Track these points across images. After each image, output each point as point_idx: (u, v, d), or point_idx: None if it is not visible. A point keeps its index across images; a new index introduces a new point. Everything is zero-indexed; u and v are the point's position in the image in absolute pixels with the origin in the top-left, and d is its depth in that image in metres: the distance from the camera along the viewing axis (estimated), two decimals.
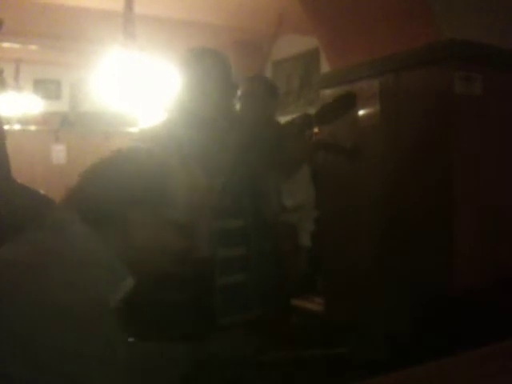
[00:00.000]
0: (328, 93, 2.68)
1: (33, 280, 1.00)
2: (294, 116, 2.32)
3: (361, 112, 2.55)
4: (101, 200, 1.12)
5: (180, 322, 1.87)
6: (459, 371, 1.35)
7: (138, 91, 3.74)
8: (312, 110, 2.59)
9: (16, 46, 5.73)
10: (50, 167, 6.86)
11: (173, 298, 1.88)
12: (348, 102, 2.21)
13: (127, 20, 3.59)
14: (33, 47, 5.84)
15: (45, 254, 1.05)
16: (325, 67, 4.49)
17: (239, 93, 2.31)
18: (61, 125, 6.91)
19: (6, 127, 2.08)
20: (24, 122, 6.55)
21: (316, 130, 2.95)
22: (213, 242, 1.87)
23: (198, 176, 1.28)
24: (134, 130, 6.28)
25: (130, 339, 1.46)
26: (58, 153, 7.03)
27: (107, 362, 0.99)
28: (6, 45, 5.63)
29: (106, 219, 1.12)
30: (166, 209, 1.15)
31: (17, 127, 6.45)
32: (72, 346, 0.95)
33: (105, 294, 1.07)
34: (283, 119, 2.87)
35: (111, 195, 1.12)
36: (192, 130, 1.94)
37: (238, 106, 2.45)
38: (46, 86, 7.32)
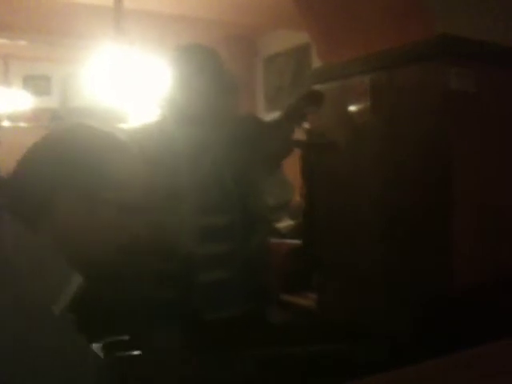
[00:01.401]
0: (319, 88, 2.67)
1: None
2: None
3: (352, 108, 2.54)
4: (30, 186, 1.01)
5: (165, 318, 1.88)
6: (459, 371, 1.34)
7: (129, 86, 3.73)
8: None
9: (5, 41, 5.68)
10: None
11: (157, 294, 1.88)
12: (315, 100, 2.16)
13: (118, 15, 3.56)
14: (22, 42, 5.80)
15: None
16: (316, 62, 4.48)
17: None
18: (51, 121, 6.87)
19: None
20: (14, 118, 6.51)
21: (307, 126, 2.94)
22: (195, 237, 1.88)
23: (136, 159, 1.12)
24: (124, 125, 6.25)
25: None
26: None
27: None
28: None
29: (40, 209, 1.00)
30: (101, 190, 1.03)
31: (6, 124, 6.41)
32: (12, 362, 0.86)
33: (47, 298, 0.96)
34: (275, 115, 2.86)
35: (41, 181, 1.01)
36: (180, 127, 1.94)
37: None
38: (35, 82, 7.27)
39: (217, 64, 1.99)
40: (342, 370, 1.51)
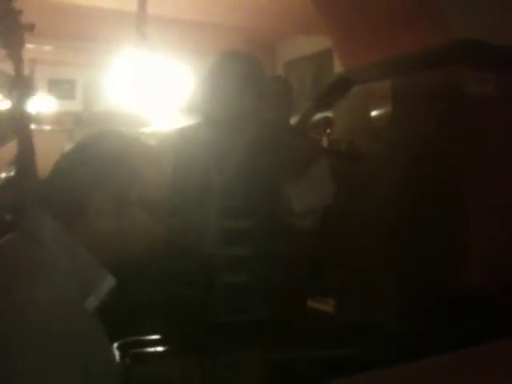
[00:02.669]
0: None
1: (4, 286, 0.94)
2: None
3: (373, 113, 2.54)
4: (65, 189, 1.06)
5: (183, 318, 1.89)
6: (458, 370, 1.35)
7: (151, 91, 3.76)
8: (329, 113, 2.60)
9: (30, 46, 5.76)
10: None
11: (177, 294, 1.90)
12: (343, 86, 2.22)
13: (140, 20, 3.61)
14: (47, 47, 5.88)
15: (17, 258, 1.00)
16: (338, 67, 4.49)
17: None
18: (75, 124, 6.95)
19: None
20: (38, 121, 6.57)
21: (328, 130, 2.95)
22: (218, 240, 1.89)
23: (161, 161, 1.18)
24: (147, 129, 6.30)
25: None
26: None
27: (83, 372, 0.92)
28: None
29: (73, 210, 1.04)
30: (133, 191, 1.07)
31: (31, 127, 6.47)
32: (45, 355, 0.88)
33: (82, 296, 1.00)
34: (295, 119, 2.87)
35: (74, 183, 1.05)
36: (209, 131, 1.96)
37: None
38: (60, 86, 7.36)
39: (255, 70, 2.00)
40: (351, 369, 1.51)
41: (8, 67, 2.07)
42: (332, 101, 2.25)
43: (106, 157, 1.08)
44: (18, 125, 2.00)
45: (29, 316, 0.90)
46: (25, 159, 2.00)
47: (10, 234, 1.05)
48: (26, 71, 2.29)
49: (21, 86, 2.04)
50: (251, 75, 1.96)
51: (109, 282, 1.04)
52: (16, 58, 2.03)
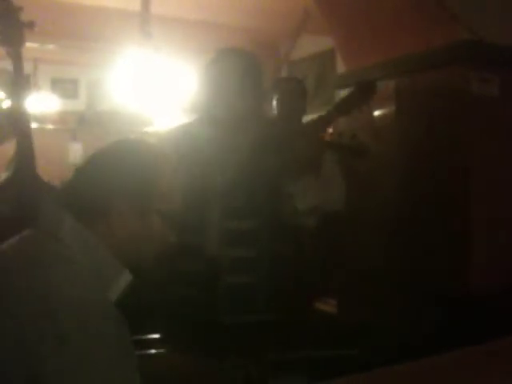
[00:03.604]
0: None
1: (24, 281, 0.98)
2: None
3: (376, 112, 2.54)
4: (88, 193, 1.11)
5: (183, 318, 1.89)
6: (458, 370, 1.35)
7: (154, 91, 3.77)
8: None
9: (34, 45, 5.77)
10: (67, 166, 6.89)
11: (179, 294, 1.90)
12: (368, 91, 2.23)
13: (144, 20, 3.61)
14: (50, 47, 5.88)
15: (35, 254, 1.03)
16: (341, 67, 4.48)
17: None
18: (78, 124, 6.96)
19: None
20: (41, 120, 6.57)
21: (330, 130, 2.94)
22: (221, 241, 1.89)
23: (176, 170, 1.23)
24: (149, 128, 6.31)
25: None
26: (75, 152, 7.06)
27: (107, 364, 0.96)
28: None
29: (95, 212, 1.10)
30: (153, 199, 1.13)
31: (34, 126, 6.47)
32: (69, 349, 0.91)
33: (101, 291, 1.04)
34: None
35: (98, 187, 1.11)
36: (210, 130, 1.96)
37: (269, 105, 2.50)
38: (63, 85, 7.37)
39: (252, 68, 1.99)
40: (353, 370, 1.52)
41: (8, 65, 2.07)
42: (356, 106, 2.25)
43: (123, 163, 1.13)
44: (17, 123, 2.00)
45: (48, 311, 0.93)
46: (24, 157, 2.01)
47: (26, 231, 1.10)
48: (28, 70, 2.29)
49: (20, 84, 2.04)
50: (249, 72, 1.96)
51: (126, 278, 1.09)
52: (16, 56, 2.03)
